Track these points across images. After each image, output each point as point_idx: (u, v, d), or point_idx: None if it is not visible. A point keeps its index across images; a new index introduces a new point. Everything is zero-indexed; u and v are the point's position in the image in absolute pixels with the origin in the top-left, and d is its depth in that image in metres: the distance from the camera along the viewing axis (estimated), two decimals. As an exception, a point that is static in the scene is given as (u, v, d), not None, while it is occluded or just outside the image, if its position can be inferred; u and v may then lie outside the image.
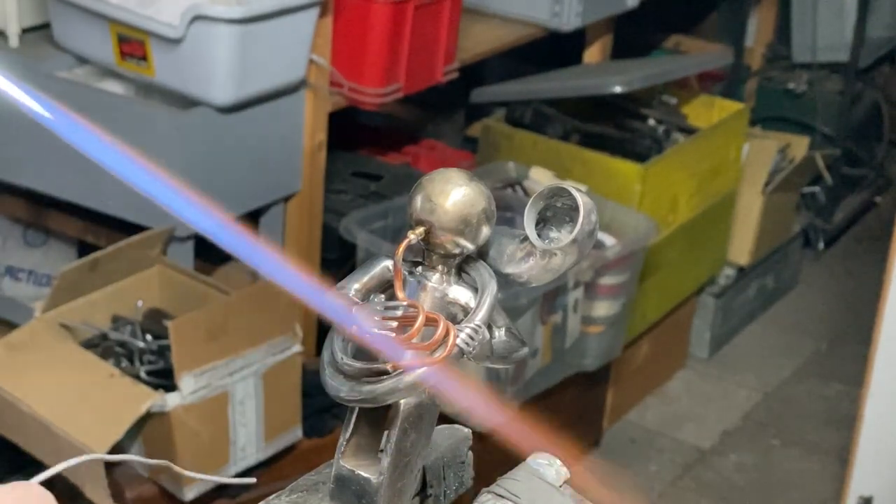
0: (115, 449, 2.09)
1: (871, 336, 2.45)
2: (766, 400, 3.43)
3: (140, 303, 2.38)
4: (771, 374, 3.54)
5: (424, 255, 0.65)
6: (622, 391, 3.26)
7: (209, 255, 2.71)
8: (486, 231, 0.64)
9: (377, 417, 0.66)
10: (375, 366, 0.63)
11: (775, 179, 3.59)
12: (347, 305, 0.63)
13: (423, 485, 0.70)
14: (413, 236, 0.63)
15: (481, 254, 0.65)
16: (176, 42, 2.33)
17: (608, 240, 2.84)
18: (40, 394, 2.12)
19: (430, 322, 0.61)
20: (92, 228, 2.60)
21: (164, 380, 2.19)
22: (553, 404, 2.88)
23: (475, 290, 0.64)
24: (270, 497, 0.72)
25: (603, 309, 2.87)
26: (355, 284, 0.66)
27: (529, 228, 0.64)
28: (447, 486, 0.72)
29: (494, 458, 0.74)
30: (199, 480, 2.18)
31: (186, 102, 2.42)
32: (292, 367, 2.31)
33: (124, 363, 2.24)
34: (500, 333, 0.66)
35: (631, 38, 3.68)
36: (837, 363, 3.57)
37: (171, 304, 2.37)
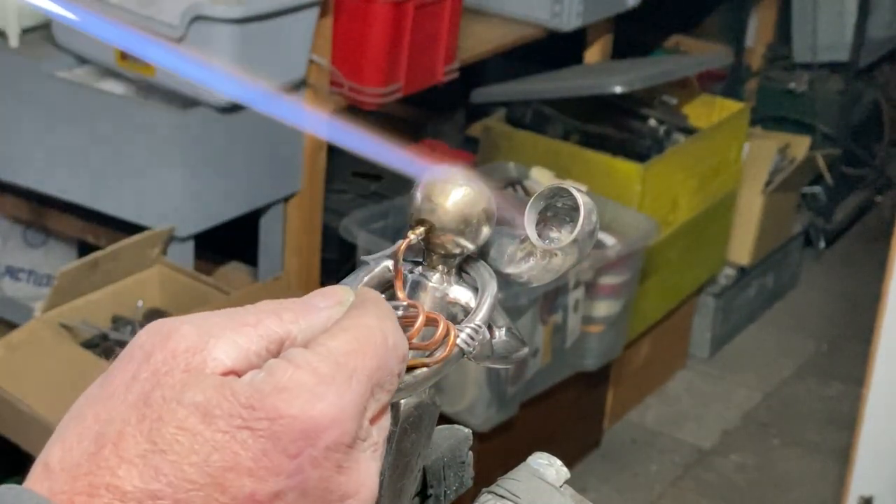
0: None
1: (871, 336, 2.45)
2: (766, 400, 3.43)
3: (140, 303, 2.38)
4: (771, 374, 3.54)
5: (424, 255, 0.65)
6: (622, 391, 3.26)
7: (209, 255, 2.71)
8: (486, 231, 0.64)
9: (377, 417, 0.66)
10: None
11: (776, 179, 3.59)
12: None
13: (423, 485, 0.70)
14: (413, 236, 0.63)
15: (482, 254, 0.65)
16: (176, 42, 2.33)
17: (608, 240, 2.84)
18: (40, 394, 2.12)
19: (430, 322, 0.61)
20: (92, 228, 2.60)
21: (164, 380, 2.19)
22: (553, 404, 2.88)
23: (475, 290, 0.64)
24: (270, 497, 0.72)
25: (603, 309, 2.87)
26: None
27: (530, 228, 0.64)
28: (447, 487, 0.72)
29: (494, 458, 0.74)
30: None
31: (186, 102, 2.42)
32: (292, 367, 2.31)
33: (124, 363, 2.23)
34: (500, 333, 0.65)
35: (631, 38, 3.68)
36: (837, 363, 3.57)
37: (171, 304, 2.37)
